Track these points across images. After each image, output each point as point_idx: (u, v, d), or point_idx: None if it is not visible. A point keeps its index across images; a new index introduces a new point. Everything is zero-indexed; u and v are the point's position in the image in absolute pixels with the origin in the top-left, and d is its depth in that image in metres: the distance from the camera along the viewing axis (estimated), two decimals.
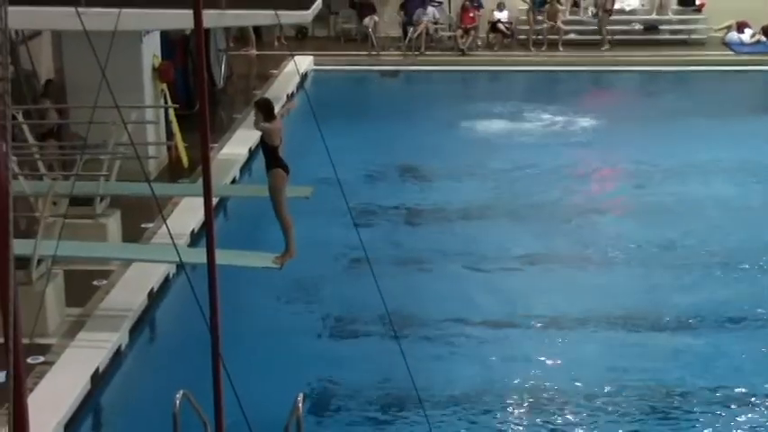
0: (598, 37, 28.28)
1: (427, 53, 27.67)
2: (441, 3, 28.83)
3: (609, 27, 28.39)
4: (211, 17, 14.64)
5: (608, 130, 21.99)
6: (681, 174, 18.73)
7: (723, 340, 12.50)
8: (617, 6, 28.98)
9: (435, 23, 28.27)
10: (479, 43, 28.35)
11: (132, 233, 14.26)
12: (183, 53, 20.28)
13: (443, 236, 15.79)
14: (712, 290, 13.84)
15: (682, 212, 16.68)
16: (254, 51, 27.78)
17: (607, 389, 11.24)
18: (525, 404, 11.03)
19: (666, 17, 29.40)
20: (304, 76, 24.94)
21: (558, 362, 11.93)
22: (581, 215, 16.82)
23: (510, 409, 10.93)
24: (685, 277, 14.31)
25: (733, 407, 11.01)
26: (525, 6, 28.43)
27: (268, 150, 11.46)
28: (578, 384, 11.35)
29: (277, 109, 12.00)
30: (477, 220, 16.46)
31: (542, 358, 12.02)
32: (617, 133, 21.66)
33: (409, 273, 14.33)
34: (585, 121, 22.65)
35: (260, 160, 12.18)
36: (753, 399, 11.16)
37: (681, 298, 13.55)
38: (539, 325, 12.78)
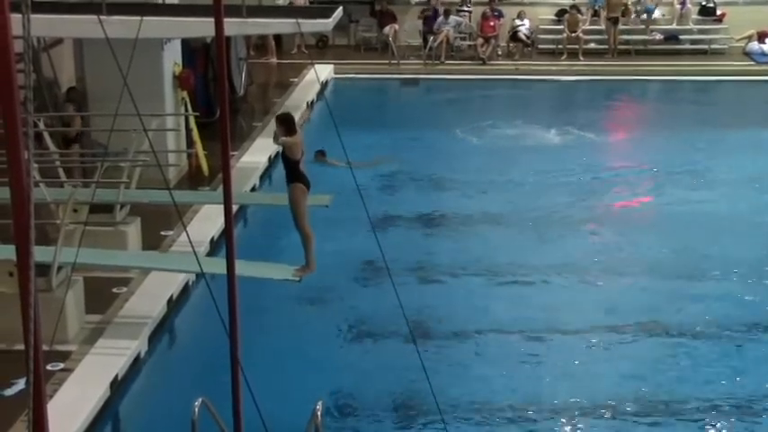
0: (624, 47, 28.35)
1: (447, 62, 27.69)
2: (470, 12, 28.83)
3: (624, 37, 28.44)
4: (232, 25, 14.67)
5: (628, 140, 21.92)
6: (702, 183, 18.66)
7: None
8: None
9: (459, 32, 28.27)
10: (500, 52, 28.35)
11: (152, 241, 14.28)
12: (204, 61, 20.35)
13: (462, 245, 15.74)
14: (738, 299, 13.74)
15: (703, 222, 16.58)
16: (274, 60, 27.87)
17: (633, 400, 11.11)
18: (546, 416, 10.90)
19: (687, 27, 29.36)
20: (324, 85, 24.98)
21: (581, 372, 11.80)
22: (601, 225, 16.76)
23: (531, 421, 10.82)
24: (710, 287, 14.20)
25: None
26: (546, 16, 28.46)
27: (289, 164, 11.45)
28: (602, 396, 11.22)
29: (295, 120, 12.00)
30: (496, 230, 16.40)
31: (564, 369, 11.88)
32: (637, 143, 21.62)
33: (429, 282, 14.29)
34: (605, 131, 22.58)
35: (280, 168, 12.19)
36: None
37: (708, 308, 13.45)
38: (560, 335, 12.68)
